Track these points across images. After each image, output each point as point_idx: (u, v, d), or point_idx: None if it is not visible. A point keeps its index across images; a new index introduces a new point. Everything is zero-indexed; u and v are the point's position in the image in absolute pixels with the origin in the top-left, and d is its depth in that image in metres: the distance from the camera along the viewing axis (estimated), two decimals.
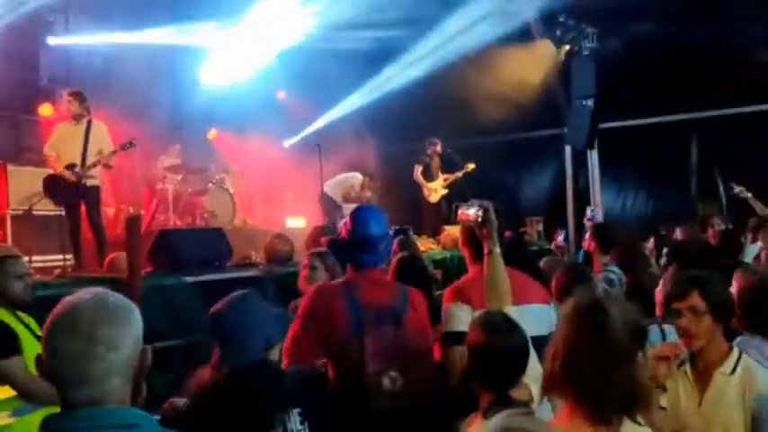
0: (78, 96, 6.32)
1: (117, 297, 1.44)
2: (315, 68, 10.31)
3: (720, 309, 2.50)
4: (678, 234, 6.67)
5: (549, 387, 1.90)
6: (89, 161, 6.17)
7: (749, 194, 6.83)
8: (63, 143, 6.25)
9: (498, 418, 1.32)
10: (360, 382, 2.51)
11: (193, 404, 2.03)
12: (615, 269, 4.30)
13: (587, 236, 4.91)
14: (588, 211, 7.61)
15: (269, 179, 10.53)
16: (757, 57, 8.89)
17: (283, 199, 10.57)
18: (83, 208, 6.24)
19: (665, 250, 4.66)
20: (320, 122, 10.91)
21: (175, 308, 4.86)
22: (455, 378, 2.61)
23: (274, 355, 2.22)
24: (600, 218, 7.41)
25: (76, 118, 6.27)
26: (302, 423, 2.17)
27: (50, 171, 6.34)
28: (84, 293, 1.40)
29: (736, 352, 2.51)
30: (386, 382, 2.53)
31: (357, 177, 9.22)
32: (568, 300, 1.98)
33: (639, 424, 1.82)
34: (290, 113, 10.97)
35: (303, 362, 2.50)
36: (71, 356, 1.31)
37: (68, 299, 1.39)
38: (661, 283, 3.26)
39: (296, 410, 2.16)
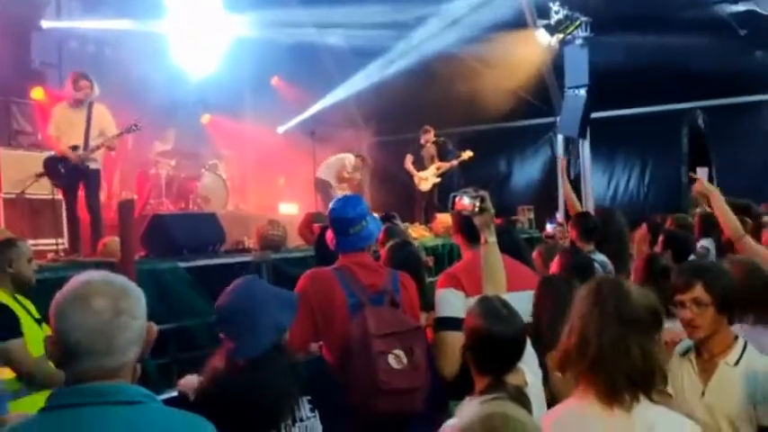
0: (91, 81, 6.25)
1: (120, 276, 1.50)
2: (309, 57, 10.31)
3: (725, 300, 2.51)
4: (669, 222, 6.71)
5: (563, 364, 1.93)
6: (92, 144, 6.14)
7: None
8: (66, 125, 6.17)
9: (475, 403, 1.35)
10: (365, 363, 2.54)
11: (208, 394, 2.02)
12: (599, 256, 4.34)
13: (569, 225, 4.94)
14: (548, 226, 7.63)
15: (262, 165, 10.53)
16: (749, 48, 8.97)
17: (276, 185, 10.58)
18: (81, 191, 6.23)
19: (660, 238, 4.70)
20: (314, 109, 10.90)
21: (168, 292, 4.88)
22: (447, 363, 2.66)
23: (286, 339, 2.19)
24: (552, 228, 7.46)
25: (78, 101, 6.19)
26: (312, 411, 2.17)
27: (44, 154, 6.32)
28: (87, 275, 1.45)
29: (741, 342, 2.54)
30: (392, 360, 2.56)
31: (349, 158, 9.25)
32: (587, 281, 2.02)
33: (654, 401, 1.84)
34: (285, 99, 10.96)
35: (298, 346, 2.52)
36: (95, 329, 1.35)
37: (77, 278, 1.43)
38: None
39: (306, 398, 2.16)
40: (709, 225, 4.83)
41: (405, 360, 2.58)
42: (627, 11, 9.02)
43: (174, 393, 2.35)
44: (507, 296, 2.56)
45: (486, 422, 1.27)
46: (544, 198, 10.48)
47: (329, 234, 2.97)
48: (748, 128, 9.39)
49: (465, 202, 2.75)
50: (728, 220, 3.67)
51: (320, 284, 2.74)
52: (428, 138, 9.66)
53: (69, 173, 6.11)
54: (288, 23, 9.75)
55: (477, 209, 2.71)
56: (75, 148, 6.10)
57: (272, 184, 10.48)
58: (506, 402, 1.36)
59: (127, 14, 8.83)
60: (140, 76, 8.66)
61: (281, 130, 11.16)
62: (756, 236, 4.18)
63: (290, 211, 9.52)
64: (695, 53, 8.81)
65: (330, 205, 3.01)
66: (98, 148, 6.15)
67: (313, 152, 8.91)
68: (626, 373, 1.81)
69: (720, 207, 3.74)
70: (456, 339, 2.50)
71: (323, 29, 10.21)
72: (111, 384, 1.37)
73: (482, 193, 2.75)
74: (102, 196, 7.89)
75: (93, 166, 6.23)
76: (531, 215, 9.63)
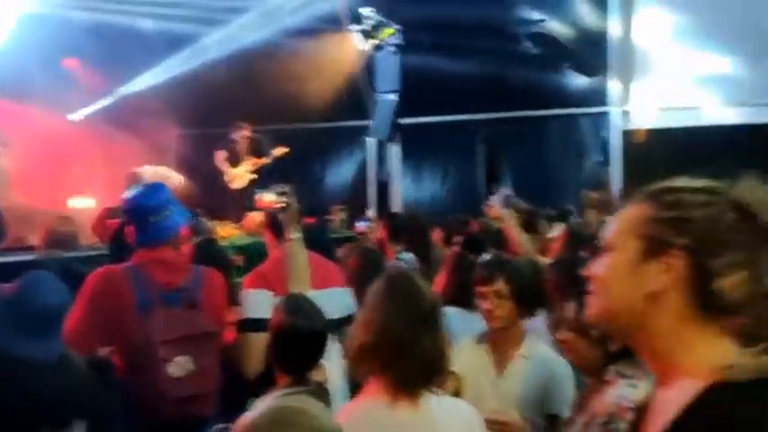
0: None
1: None
2: (111, 40, 9.55)
3: (523, 295, 2.71)
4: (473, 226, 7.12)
5: (357, 359, 1.95)
6: None
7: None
8: None
9: (271, 398, 1.32)
10: (148, 370, 2.35)
11: None
12: (407, 255, 4.48)
13: (379, 226, 5.07)
14: (361, 224, 7.85)
15: (52, 154, 9.53)
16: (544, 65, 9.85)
17: (68, 177, 9.63)
18: None
19: (456, 239, 4.94)
20: (114, 97, 10.11)
21: None
22: (251, 364, 2.56)
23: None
24: (365, 226, 7.70)
25: None
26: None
27: None
28: None
29: (531, 336, 2.74)
30: (174, 367, 2.40)
31: (178, 178, 8.69)
32: (380, 276, 2.05)
33: (440, 393, 1.91)
34: (80, 85, 10.03)
35: (84, 350, 2.28)
36: None
37: None
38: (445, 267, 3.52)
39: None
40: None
41: (191, 365, 2.44)
42: (437, 21, 9.49)
43: None
44: (316, 293, 2.54)
45: (277, 415, 1.24)
46: (357, 198, 10.67)
47: (128, 227, 2.72)
48: (540, 140, 10.27)
49: (268, 198, 2.70)
50: (519, 242, 4.16)
51: (109, 283, 2.49)
52: (242, 134, 9.38)
53: None
54: (87, 1, 8.98)
55: (280, 206, 2.67)
56: None
57: (62, 176, 9.52)
58: (302, 396, 1.33)
59: None
60: None
61: (74, 117, 10.19)
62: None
63: (84, 205, 8.73)
64: (496, 66, 9.53)
65: (127, 193, 2.74)
66: None
67: (112, 143, 8.27)
68: (416, 366, 1.86)
69: (510, 229, 4.22)
70: (260, 340, 2.43)
71: (129, 11, 9.52)
72: None
73: (285, 189, 2.72)
74: None
75: None
76: (344, 215, 9.74)
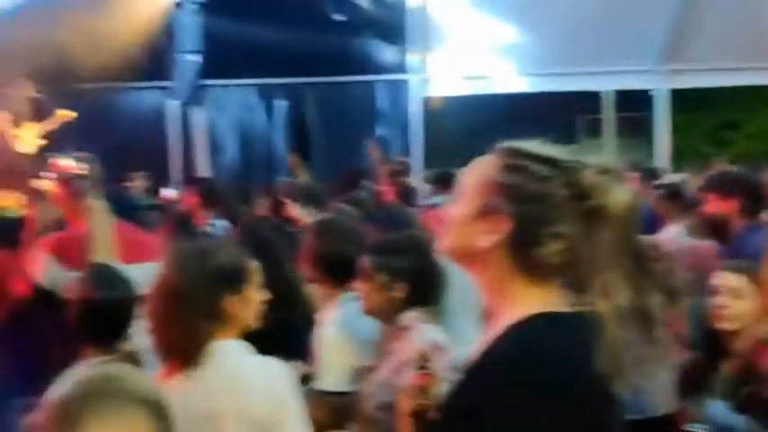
0: None
1: None
2: None
3: None
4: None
5: (150, 334, 1.91)
6: None
7: None
8: None
9: (80, 369, 1.26)
10: None
11: None
12: (220, 222, 4.45)
13: (185, 192, 4.96)
14: (169, 192, 7.58)
15: None
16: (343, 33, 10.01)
17: None
18: None
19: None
20: None
21: None
22: None
23: None
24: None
25: None
26: None
27: None
28: None
29: None
30: None
31: None
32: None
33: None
34: None
35: None
36: None
37: None
38: None
39: None
40: None
41: None
42: None
43: None
44: (125, 268, 2.44)
45: (92, 385, 1.19)
46: (158, 165, 10.19)
47: None
48: (342, 106, 10.49)
49: (66, 164, 2.55)
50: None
51: None
52: (21, 92, 8.46)
53: None
54: None
55: (80, 172, 2.54)
56: None
57: None
58: (115, 364, 1.29)
59: None
60: None
61: None
62: None
63: None
64: (294, 30, 9.48)
65: None
66: None
67: None
68: (178, 342, 1.87)
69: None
70: None
71: None
72: None
73: (87, 155, 2.59)
74: None
75: None
76: (145, 183, 9.27)
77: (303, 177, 7.40)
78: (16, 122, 8.90)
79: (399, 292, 2.11)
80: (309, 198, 5.14)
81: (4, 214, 3.31)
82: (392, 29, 10.28)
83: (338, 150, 9.63)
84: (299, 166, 8.27)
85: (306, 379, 2.51)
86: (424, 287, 2.15)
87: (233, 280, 1.88)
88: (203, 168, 10.27)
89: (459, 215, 1.34)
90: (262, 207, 5.57)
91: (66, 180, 2.62)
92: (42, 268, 2.62)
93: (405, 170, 7.02)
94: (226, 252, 1.93)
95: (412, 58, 10.41)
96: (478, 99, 10.70)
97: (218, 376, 1.83)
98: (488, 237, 1.27)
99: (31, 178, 7.87)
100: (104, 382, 1.20)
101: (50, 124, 8.84)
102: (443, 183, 6.04)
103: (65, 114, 8.78)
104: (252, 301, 1.92)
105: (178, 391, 1.77)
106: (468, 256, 1.33)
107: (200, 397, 1.79)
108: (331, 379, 2.47)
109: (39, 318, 2.58)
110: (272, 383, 1.90)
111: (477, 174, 1.36)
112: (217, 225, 4.38)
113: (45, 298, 2.59)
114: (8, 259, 2.65)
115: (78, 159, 2.53)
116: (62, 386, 1.22)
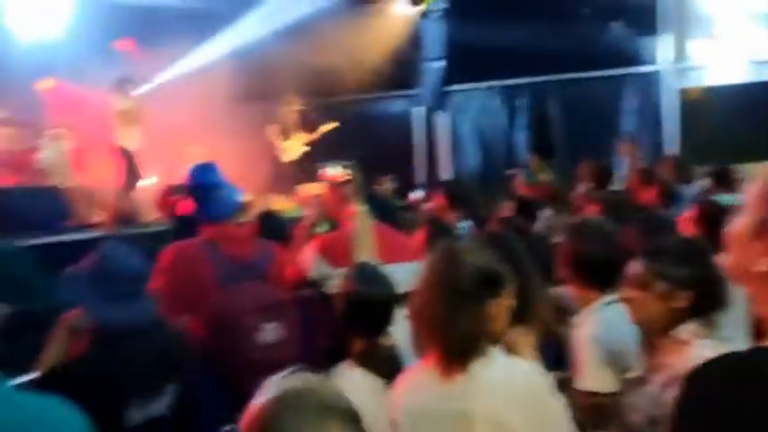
0: None
1: None
2: (158, 20, 9.70)
3: None
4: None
5: (414, 332, 1.98)
6: None
7: None
8: None
9: (272, 382, 1.30)
10: (237, 338, 2.45)
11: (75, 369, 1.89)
12: (466, 224, 4.50)
13: (435, 194, 5.08)
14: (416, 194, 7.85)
15: (109, 135, 9.80)
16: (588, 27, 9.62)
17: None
18: None
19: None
20: (167, 77, 10.29)
21: (7, 274, 4.43)
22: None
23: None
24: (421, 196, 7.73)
25: None
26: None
27: None
28: None
29: None
30: (263, 334, 2.50)
31: None
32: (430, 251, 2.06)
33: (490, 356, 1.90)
34: (133, 65, 10.23)
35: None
36: None
37: None
38: None
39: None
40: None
41: (279, 331, 2.53)
42: None
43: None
44: (384, 268, 2.56)
45: (284, 399, 1.23)
46: (404, 168, 10.69)
47: (189, 203, 2.82)
48: (594, 101, 10.05)
49: (332, 172, 2.76)
50: None
51: (186, 256, 2.60)
52: (291, 108, 9.49)
53: None
54: None
55: (344, 179, 2.73)
56: None
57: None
58: (304, 375, 1.31)
59: None
60: None
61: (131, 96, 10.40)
62: None
63: (147, 183, 8.97)
64: (537, 28, 9.28)
65: (190, 170, 2.84)
66: None
67: (170, 121, 8.48)
68: (453, 343, 1.86)
69: None
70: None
71: None
72: None
73: (349, 163, 2.77)
74: None
75: None
76: (394, 185, 9.78)
77: (545, 178, 7.24)
78: (284, 134, 10.05)
79: (681, 302, 1.93)
80: (553, 199, 5.03)
81: (281, 215, 3.70)
82: (642, 17, 9.63)
83: (583, 149, 9.26)
84: (540, 166, 8.11)
85: (562, 383, 2.44)
86: (707, 298, 1.94)
87: (495, 284, 1.89)
88: (446, 171, 10.56)
89: (737, 231, 1.24)
90: (506, 208, 5.55)
91: (335, 186, 2.84)
92: (311, 265, 2.88)
93: (676, 167, 6.34)
94: (487, 256, 1.95)
95: (663, 48, 9.66)
96: (745, 88, 9.55)
97: (481, 378, 1.85)
98: (766, 260, 1.16)
99: (296, 184, 8.90)
100: (299, 394, 1.22)
101: (314, 135, 9.83)
102: (721, 180, 5.54)
103: (328, 126, 9.69)
104: (505, 308, 1.92)
105: (432, 387, 1.85)
106: (745, 277, 1.23)
107: (457, 396, 1.83)
108: (590, 380, 2.38)
109: (307, 308, 2.80)
110: (531, 388, 1.89)
111: (761, 184, 1.23)
112: (463, 226, 4.45)
113: (313, 290, 2.82)
114: (282, 251, 2.93)
115: (343, 167, 2.73)
116: (257, 403, 1.24)
